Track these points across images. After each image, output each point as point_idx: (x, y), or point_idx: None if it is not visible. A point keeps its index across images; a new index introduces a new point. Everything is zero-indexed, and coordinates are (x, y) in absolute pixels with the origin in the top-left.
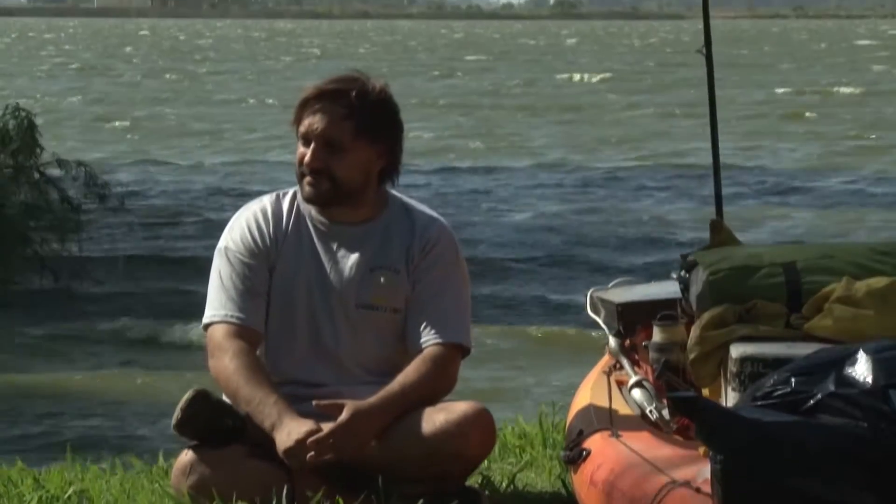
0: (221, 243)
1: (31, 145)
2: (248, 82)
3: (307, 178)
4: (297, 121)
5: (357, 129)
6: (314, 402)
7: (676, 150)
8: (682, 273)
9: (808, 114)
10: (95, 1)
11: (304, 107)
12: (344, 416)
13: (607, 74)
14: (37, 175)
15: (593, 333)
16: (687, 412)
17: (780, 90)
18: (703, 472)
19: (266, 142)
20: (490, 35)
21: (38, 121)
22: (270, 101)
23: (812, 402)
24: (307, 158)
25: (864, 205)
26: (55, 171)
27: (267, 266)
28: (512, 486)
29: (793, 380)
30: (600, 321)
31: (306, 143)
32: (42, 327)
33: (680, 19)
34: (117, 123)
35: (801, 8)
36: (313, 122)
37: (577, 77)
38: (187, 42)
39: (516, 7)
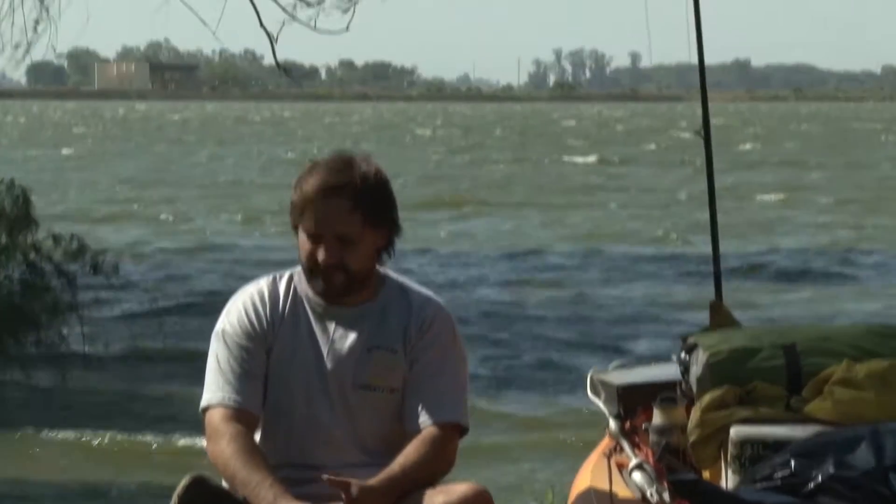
0: (218, 326)
1: (28, 222)
2: (234, 162)
3: (321, 275)
4: (300, 215)
5: (364, 219)
6: (324, 477)
7: (672, 232)
8: (683, 355)
9: (804, 195)
10: (96, 83)
11: (307, 203)
12: (352, 495)
13: (600, 156)
14: (33, 254)
15: (592, 418)
16: (688, 495)
17: (773, 175)
18: None
19: (245, 224)
20: (487, 116)
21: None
22: (251, 179)
23: (812, 484)
24: (322, 256)
25: (863, 287)
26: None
27: (264, 349)
28: None
29: (793, 462)
30: (600, 403)
31: (315, 240)
32: (34, 421)
33: (678, 101)
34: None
35: (800, 90)
36: (322, 219)
37: (572, 158)
38: (179, 124)
39: (516, 89)
